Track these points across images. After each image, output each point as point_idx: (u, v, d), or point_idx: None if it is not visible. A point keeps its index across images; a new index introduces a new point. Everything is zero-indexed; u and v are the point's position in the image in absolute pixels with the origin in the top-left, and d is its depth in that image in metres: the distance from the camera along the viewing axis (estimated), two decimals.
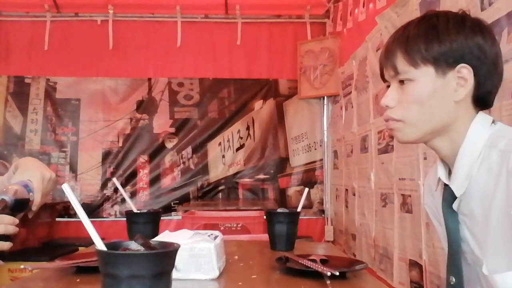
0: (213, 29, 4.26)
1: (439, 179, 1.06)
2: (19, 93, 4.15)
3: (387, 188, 2.57)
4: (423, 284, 2.12)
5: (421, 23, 1.02)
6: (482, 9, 1.61)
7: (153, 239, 0.75)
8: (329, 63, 4.00)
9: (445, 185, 1.04)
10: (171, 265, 0.70)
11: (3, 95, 4.14)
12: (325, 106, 4.21)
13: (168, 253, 0.70)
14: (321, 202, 4.23)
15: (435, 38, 0.98)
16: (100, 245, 0.70)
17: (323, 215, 4.19)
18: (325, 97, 4.17)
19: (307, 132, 4.27)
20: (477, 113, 1.01)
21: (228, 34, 4.23)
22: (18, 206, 1.16)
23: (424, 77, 0.99)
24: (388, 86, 1.07)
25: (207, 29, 4.25)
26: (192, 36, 4.21)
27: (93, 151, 4.16)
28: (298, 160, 4.26)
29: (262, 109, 4.28)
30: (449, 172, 1.04)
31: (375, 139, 2.83)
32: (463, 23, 0.99)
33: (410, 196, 2.27)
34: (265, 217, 1.33)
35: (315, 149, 4.26)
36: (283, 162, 4.25)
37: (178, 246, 0.72)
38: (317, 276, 1.14)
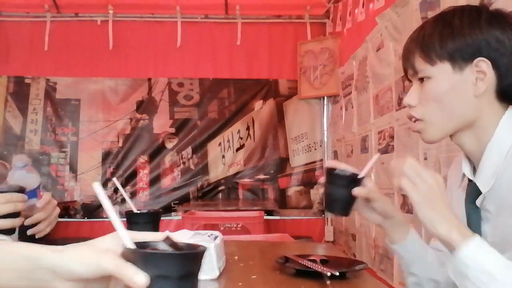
0: (213, 29, 4.26)
1: (463, 175, 1.05)
2: (19, 93, 4.15)
3: (387, 188, 2.57)
4: None
5: (436, 21, 1.01)
6: None
7: (181, 241, 0.75)
8: (329, 63, 4.00)
9: (469, 180, 1.03)
10: (199, 266, 0.70)
11: (3, 95, 4.13)
12: (325, 106, 4.21)
13: (197, 254, 0.70)
14: (321, 203, 4.22)
15: (449, 34, 0.97)
16: (130, 245, 0.70)
17: (323, 216, 4.19)
18: (325, 97, 4.17)
19: (307, 132, 4.26)
20: (506, 109, 0.99)
21: (228, 34, 4.23)
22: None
23: (441, 74, 0.98)
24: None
25: (207, 29, 4.25)
26: (192, 36, 4.21)
27: (93, 151, 4.16)
28: (298, 160, 4.26)
29: (262, 109, 4.27)
30: (474, 168, 1.03)
31: (375, 139, 2.83)
32: (478, 16, 0.97)
33: None
34: (323, 178, 1.19)
35: (315, 149, 4.25)
36: (283, 162, 4.25)
37: (205, 248, 0.72)
38: (317, 276, 1.14)
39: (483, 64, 0.95)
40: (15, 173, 1.39)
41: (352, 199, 1.13)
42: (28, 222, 1.25)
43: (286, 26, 4.29)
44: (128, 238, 0.66)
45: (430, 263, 1.14)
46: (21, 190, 1.20)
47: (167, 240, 0.72)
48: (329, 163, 1.18)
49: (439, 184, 0.91)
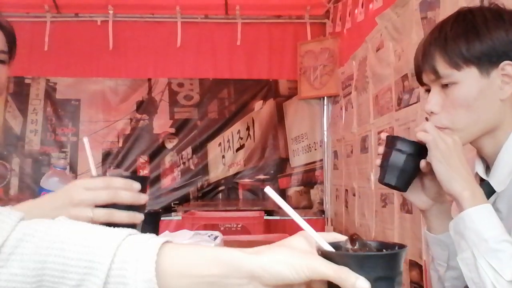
0: (213, 30, 4.26)
1: (476, 174, 1.05)
2: (19, 93, 4.15)
3: (388, 188, 2.57)
4: (423, 285, 2.12)
5: (457, 22, 0.98)
6: None
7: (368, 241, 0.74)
8: (329, 63, 4.00)
9: (481, 180, 1.03)
10: (397, 269, 0.68)
11: (3, 96, 4.13)
12: (325, 107, 4.21)
13: (402, 252, 0.69)
14: (321, 203, 4.22)
15: (476, 37, 0.95)
16: (327, 247, 0.68)
17: (323, 216, 4.19)
18: (325, 97, 4.17)
19: (307, 133, 4.26)
20: None
21: (228, 35, 4.23)
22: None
23: (468, 79, 0.96)
24: (427, 90, 1.03)
25: (207, 30, 4.24)
26: (192, 37, 4.21)
27: (93, 151, 4.10)
28: (298, 160, 4.25)
29: (262, 109, 4.27)
30: (487, 168, 1.03)
31: (375, 139, 2.83)
32: (501, 17, 0.96)
33: None
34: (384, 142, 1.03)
35: (315, 149, 4.25)
36: (283, 163, 4.25)
37: (405, 246, 0.71)
38: None
39: (510, 67, 0.95)
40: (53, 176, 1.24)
41: (415, 172, 1.00)
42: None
43: (286, 26, 4.29)
44: (322, 240, 0.63)
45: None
46: (142, 178, 0.93)
47: (358, 239, 0.71)
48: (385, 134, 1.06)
49: (458, 144, 0.93)
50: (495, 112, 0.98)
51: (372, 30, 2.84)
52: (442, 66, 0.97)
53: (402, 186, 1.02)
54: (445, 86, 0.99)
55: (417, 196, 1.05)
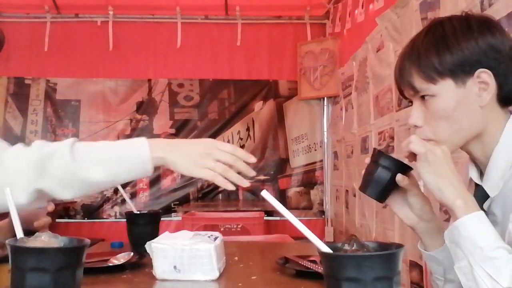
0: (213, 30, 4.26)
1: (471, 180, 1.06)
2: (19, 94, 4.15)
3: None
4: (424, 285, 2.12)
5: (427, 36, 0.99)
6: (482, 10, 1.61)
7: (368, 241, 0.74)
8: (329, 64, 4.00)
9: (476, 185, 1.04)
10: (392, 269, 0.68)
11: (3, 96, 4.13)
12: (325, 107, 4.21)
13: (396, 254, 0.69)
14: (321, 203, 4.22)
15: (446, 49, 0.96)
16: (325, 249, 0.68)
17: (323, 216, 4.19)
18: (325, 98, 4.17)
19: (307, 133, 4.27)
20: (509, 113, 1.00)
21: (228, 35, 4.23)
22: None
23: (445, 91, 0.97)
24: (411, 102, 1.05)
25: (207, 30, 4.25)
26: (192, 37, 4.21)
27: None
28: (298, 161, 4.26)
29: (262, 110, 4.28)
30: (481, 173, 1.04)
31: (375, 140, 2.83)
32: (469, 26, 0.97)
33: None
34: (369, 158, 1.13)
35: (315, 150, 4.26)
36: (283, 163, 4.25)
37: (402, 246, 0.71)
38: (317, 277, 1.14)
39: (485, 75, 0.95)
40: None
41: (391, 185, 1.05)
42: (37, 225, 1.27)
43: (286, 27, 4.29)
44: (320, 241, 0.66)
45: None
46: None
47: (350, 240, 0.71)
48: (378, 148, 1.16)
49: (446, 153, 0.94)
50: (477, 119, 0.99)
51: (372, 30, 2.84)
52: (418, 81, 0.99)
53: (379, 196, 1.09)
54: (423, 98, 1.00)
55: (404, 212, 1.09)
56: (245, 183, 1.09)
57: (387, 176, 1.05)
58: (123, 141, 1.10)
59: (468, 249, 0.87)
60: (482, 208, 1.01)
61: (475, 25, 0.97)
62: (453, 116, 0.98)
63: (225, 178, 1.07)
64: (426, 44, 0.99)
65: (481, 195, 1.01)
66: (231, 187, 1.07)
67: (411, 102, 1.05)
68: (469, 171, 1.06)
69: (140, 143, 1.06)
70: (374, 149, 1.12)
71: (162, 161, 1.06)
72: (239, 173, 1.09)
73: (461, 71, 0.96)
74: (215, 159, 1.07)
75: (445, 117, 0.98)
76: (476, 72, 0.95)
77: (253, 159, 1.12)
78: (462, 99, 0.97)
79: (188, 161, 1.06)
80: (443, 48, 0.96)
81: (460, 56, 0.95)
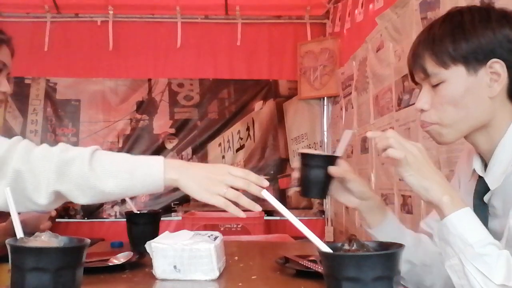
0: (213, 30, 4.26)
1: (474, 171, 1.06)
2: (19, 94, 4.14)
3: (388, 188, 2.57)
4: None
5: (445, 22, 1.00)
6: None
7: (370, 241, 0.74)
8: (329, 63, 4.00)
9: (479, 177, 1.04)
10: (392, 270, 0.68)
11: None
12: (325, 107, 4.21)
13: (396, 254, 0.69)
14: (321, 203, 4.22)
15: (462, 36, 0.96)
16: (325, 248, 0.68)
17: (323, 216, 4.19)
18: (325, 97, 4.17)
19: (307, 133, 4.26)
20: None
21: (228, 35, 4.23)
22: None
23: (455, 77, 0.97)
24: (420, 89, 1.05)
25: (207, 30, 4.24)
26: (192, 37, 4.21)
27: None
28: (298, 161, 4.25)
29: (262, 109, 4.27)
30: (485, 165, 1.04)
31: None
32: (488, 16, 0.97)
33: (410, 196, 2.27)
34: (297, 162, 1.20)
35: (315, 149, 4.25)
36: (283, 163, 4.25)
37: (402, 245, 0.71)
38: (317, 277, 1.14)
39: (497, 65, 0.95)
40: None
41: (328, 180, 1.14)
42: (43, 227, 1.32)
43: (286, 26, 4.29)
44: (321, 242, 0.67)
45: (407, 247, 1.14)
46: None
47: (355, 239, 0.71)
48: (302, 150, 1.22)
49: (423, 151, 0.94)
50: (484, 109, 0.98)
51: (372, 30, 2.84)
52: (430, 65, 0.99)
53: (320, 195, 1.17)
54: (435, 85, 1.01)
55: (346, 198, 1.16)
56: (257, 208, 1.11)
57: (321, 173, 1.12)
58: (140, 157, 1.14)
59: (458, 246, 0.87)
60: (482, 200, 1.01)
61: (495, 16, 0.97)
62: (461, 103, 0.98)
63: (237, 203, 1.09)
64: (442, 29, 0.99)
65: (482, 187, 1.01)
66: (243, 215, 1.10)
67: (420, 88, 1.05)
68: (473, 162, 1.06)
69: (156, 162, 1.09)
70: (299, 153, 1.18)
71: (174, 182, 1.09)
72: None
73: (474, 59, 0.96)
74: (227, 185, 1.09)
75: (453, 103, 0.98)
76: (489, 62, 0.95)
77: (266, 183, 1.15)
78: (472, 87, 0.97)
79: (200, 187, 1.09)
80: (459, 34, 0.97)
81: (475, 44, 0.95)
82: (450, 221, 0.88)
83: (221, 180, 1.10)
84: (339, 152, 1.15)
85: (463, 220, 0.88)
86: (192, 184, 1.09)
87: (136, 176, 1.08)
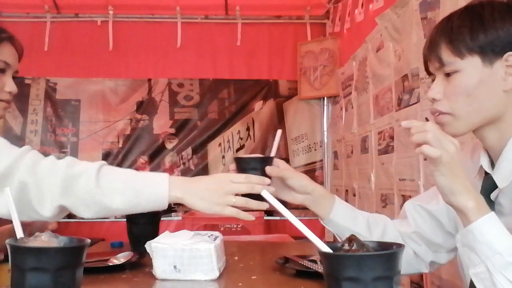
0: (213, 30, 4.26)
1: (481, 167, 1.05)
2: (19, 94, 4.05)
3: (388, 188, 2.57)
4: (423, 285, 2.12)
5: (465, 13, 0.99)
6: None
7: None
8: (329, 63, 4.00)
9: (485, 174, 1.03)
10: (392, 269, 0.67)
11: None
12: (325, 107, 4.21)
13: (396, 254, 0.68)
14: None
15: (480, 27, 0.95)
16: (325, 248, 0.68)
17: None
18: (325, 97, 4.17)
19: (307, 133, 4.26)
20: None
21: (228, 35, 4.23)
22: None
23: (470, 67, 0.96)
24: (433, 80, 1.04)
25: (207, 30, 4.24)
26: (192, 37, 4.21)
27: (93, 152, 4.15)
28: (298, 160, 4.25)
29: (262, 109, 4.27)
30: (492, 163, 1.03)
31: (375, 140, 2.83)
32: (509, 9, 0.97)
33: (410, 196, 2.27)
34: (233, 165, 1.20)
35: (315, 149, 4.25)
36: None
37: (403, 245, 0.71)
38: (317, 277, 1.14)
39: None
40: None
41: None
42: (51, 227, 1.34)
43: (286, 26, 4.29)
44: (321, 241, 0.67)
45: (359, 232, 1.17)
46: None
47: (354, 239, 0.70)
48: (236, 154, 1.23)
49: (458, 151, 0.90)
50: (497, 102, 0.97)
51: (372, 30, 2.84)
52: (446, 54, 0.98)
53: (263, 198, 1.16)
54: (448, 74, 1.00)
55: (290, 196, 1.22)
56: (265, 206, 1.11)
57: (258, 175, 1.14)
58: (146, 174, 1.19)
59: (485, 254, 0.84)
60: (489, 198, 1.00)
61: None
62: (473, 94, 0.97)
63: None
64: (461, 20, 0.98)
65: (489, 184, 1.00)
66: (252, 218, 1.14)
67: (434, 78, 1.04)
68: (480, 158, 1.05)
69: (161, 180, 1.12)
70: (234, 158, 1.19)
71: (179, 200, 1.13)
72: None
73: (490, 51, 0.95)
74: (233, 194, 1.11)
75: (466, 93, 0.97)
76: (506, 55, 0.95)
77: (267, 181, 1.14)
78: (486, 79, 0.96)
79: (209, 202, 1.12)
80: (478, 25, 0.96)
81: (493, 36, 0.95)
82: (477, 228, 0.85)
83: (227, 190, 1.11)
84: (272, 153, 1.17)
85: (490, 227, 0.85)
86: (200, 201, 1.12)
87: (142, 193, 1.10)
